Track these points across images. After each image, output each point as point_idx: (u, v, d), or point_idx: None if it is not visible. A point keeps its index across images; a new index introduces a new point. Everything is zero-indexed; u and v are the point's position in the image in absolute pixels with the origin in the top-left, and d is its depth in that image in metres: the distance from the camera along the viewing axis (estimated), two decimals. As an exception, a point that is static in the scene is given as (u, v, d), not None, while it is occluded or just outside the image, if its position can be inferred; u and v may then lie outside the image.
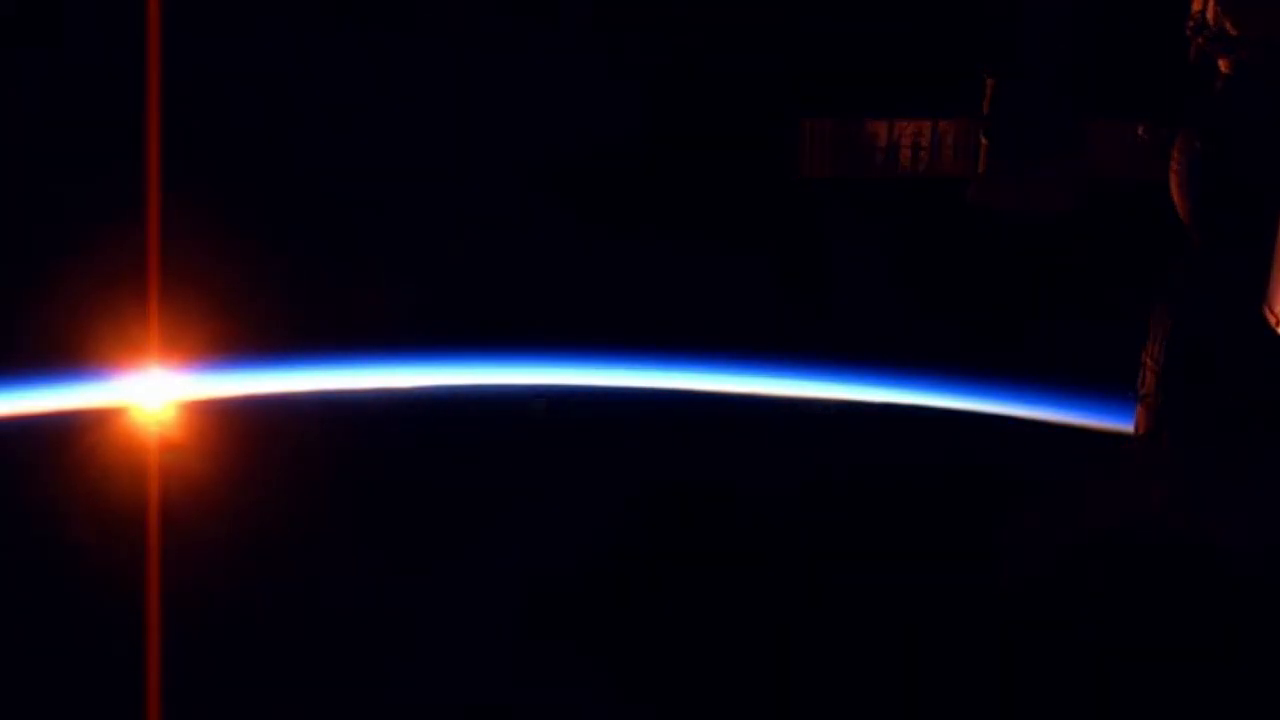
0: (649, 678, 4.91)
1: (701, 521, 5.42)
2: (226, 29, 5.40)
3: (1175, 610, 4.53)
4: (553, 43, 5.50)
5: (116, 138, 5.39)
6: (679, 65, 5.55)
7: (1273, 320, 3.91)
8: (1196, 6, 4.14)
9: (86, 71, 5.32)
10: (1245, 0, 4.01)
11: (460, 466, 5.59)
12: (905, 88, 4.78)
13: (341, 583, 5.12)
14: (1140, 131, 4.30)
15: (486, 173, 5.69)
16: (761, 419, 5.94)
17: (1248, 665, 4.36)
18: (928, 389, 5.87)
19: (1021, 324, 5.68)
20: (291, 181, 5.59)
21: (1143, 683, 4.56)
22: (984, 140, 4.39)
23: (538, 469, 5.58)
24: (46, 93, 5.39)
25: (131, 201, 5.40)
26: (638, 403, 5.95)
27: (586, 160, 5.63)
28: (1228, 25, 4.06)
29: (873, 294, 5.80)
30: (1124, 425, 5.11)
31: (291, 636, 4.97)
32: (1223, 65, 4.16)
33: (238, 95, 5.44)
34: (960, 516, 5.34)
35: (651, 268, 5.76)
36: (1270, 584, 4.26)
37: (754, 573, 5.24)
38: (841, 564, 5.25)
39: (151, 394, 5.53)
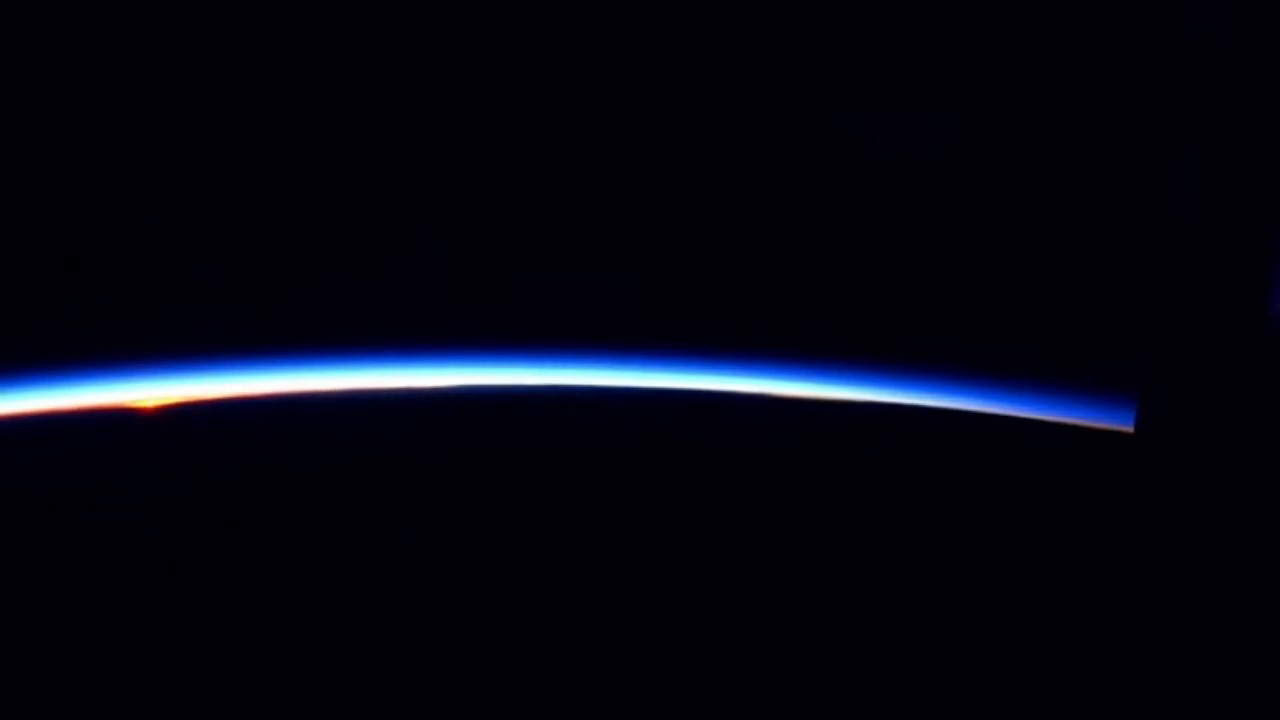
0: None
1: (700, 523, 5.43)
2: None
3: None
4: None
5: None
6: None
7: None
8: None
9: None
10: None
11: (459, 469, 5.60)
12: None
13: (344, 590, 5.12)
14: None
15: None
16: (760, 419, 5.95)
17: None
18: (927, 389, 5.88)
19: (1021, 322, 5.69)
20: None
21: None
22: None
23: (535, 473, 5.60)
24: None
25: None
26: (635, 403, 5.95)
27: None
28: None
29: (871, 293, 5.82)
30: (1124, 425, 5.12)
31: (296, 643, 4.97)
32: None
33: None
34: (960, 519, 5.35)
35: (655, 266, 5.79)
36: None
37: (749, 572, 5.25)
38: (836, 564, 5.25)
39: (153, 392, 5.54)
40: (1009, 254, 5.61)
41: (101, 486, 5.30)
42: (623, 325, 5.91)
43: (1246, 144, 4.38)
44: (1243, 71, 4.38)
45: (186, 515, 5.26)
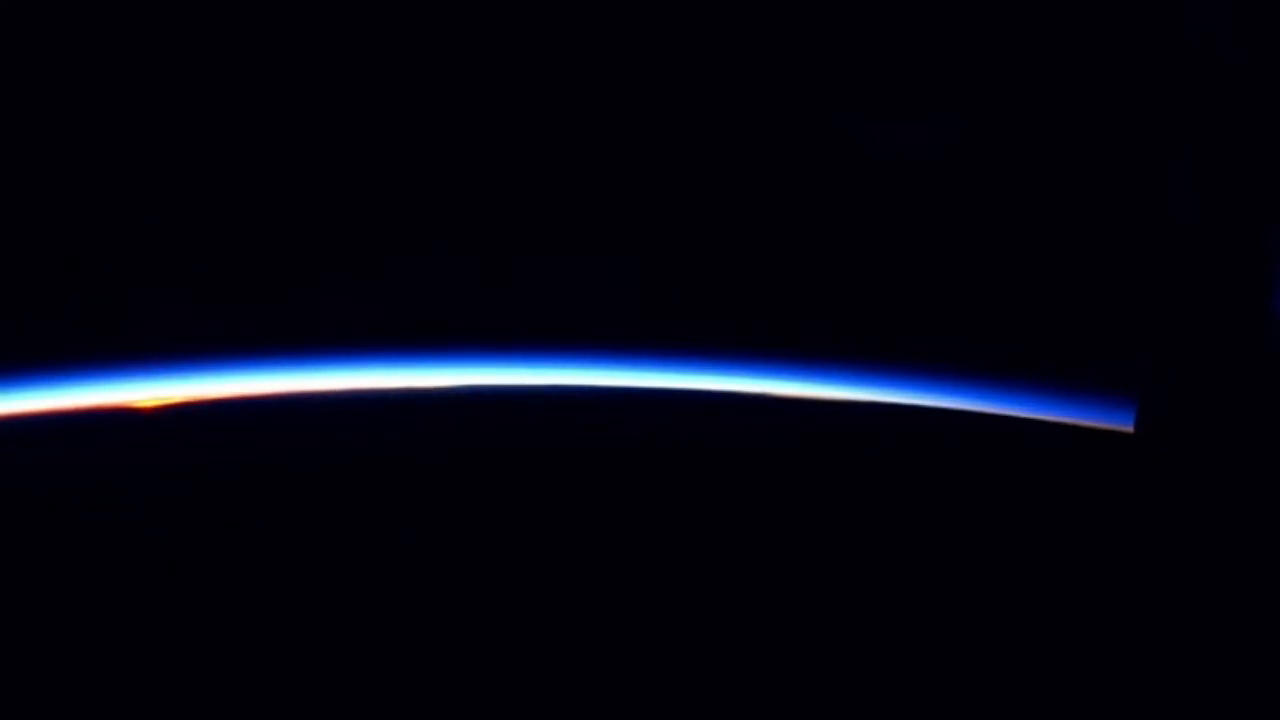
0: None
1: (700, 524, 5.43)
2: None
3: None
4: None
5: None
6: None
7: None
8: None
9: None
10: None
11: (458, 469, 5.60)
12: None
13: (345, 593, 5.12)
14: None
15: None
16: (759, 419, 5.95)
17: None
18: (927, 389, 5.87)
19: (1020, 322, 5.69)
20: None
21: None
22: None
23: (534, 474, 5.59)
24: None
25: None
26: (635, 403, 5.95)
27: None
28: None
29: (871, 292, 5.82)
30: (1124, 425, 5.12)
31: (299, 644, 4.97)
32: None
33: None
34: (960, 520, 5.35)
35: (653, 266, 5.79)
36: None
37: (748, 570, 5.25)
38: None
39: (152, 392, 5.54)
40: (1009, 254, 5.61)
41: (101, 486, 5.29)
42: (623, 325, 5.91)
43: (1246, 144, 4.38)
44: (1243, 71, 4.38)
45: (186, 515, 5.26)
